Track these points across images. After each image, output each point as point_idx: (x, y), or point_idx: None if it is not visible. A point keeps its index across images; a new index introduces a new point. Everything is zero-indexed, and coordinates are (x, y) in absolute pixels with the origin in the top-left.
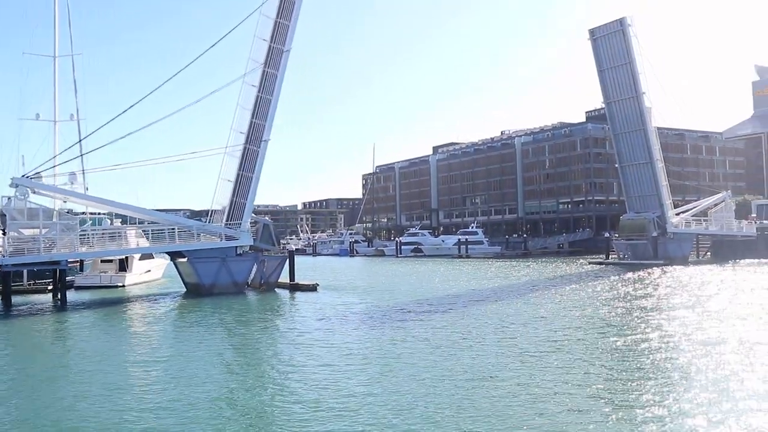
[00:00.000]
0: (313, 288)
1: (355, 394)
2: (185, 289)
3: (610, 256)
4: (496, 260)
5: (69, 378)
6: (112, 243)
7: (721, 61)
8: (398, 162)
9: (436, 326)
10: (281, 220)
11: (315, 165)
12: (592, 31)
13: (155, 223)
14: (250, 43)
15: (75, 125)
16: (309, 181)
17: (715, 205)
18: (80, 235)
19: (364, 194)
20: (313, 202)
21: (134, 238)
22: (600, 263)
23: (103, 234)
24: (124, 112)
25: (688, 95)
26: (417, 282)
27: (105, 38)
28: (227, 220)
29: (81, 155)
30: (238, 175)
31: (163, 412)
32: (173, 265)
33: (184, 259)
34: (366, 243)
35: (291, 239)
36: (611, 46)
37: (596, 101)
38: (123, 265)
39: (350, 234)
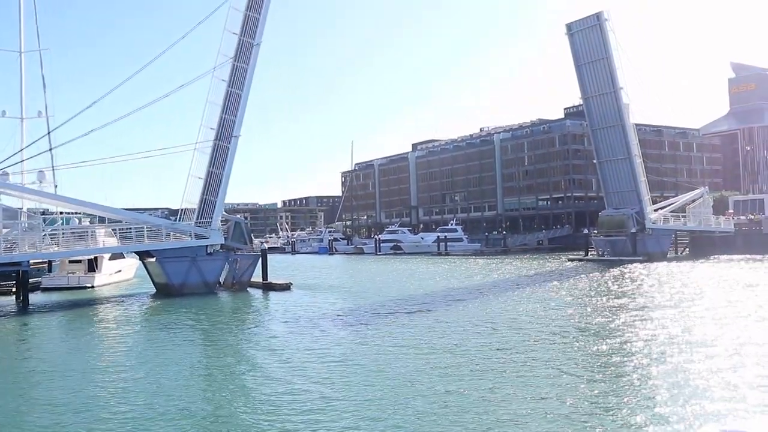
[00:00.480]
0: (286, 287)
1: (327, 397)
2: (155, 290)
3: (589, 253)
4: (475, 257)
5: (14, 386)
6: (79, 243)
7: (698, 58)
8: (378, 159)
9: (412, 327)
10: (260, 218)
11: (295, 163)
12: (569, 26)
13: (122, 222)
14: (220, 37)
15: (42, 123)
16: (289, 179)
17: (693, 201)
18: (49, 234)
19: (343, 192)
20: (293, 200)
21: (103, 238)
22: (580, 260)
23: (72, 233)
24: (90, 105)
25: (665, 91)
26: (394, 280)
27: (74, 35)
28: (198, 219)
29: (50, 149)
30: (208, 172)
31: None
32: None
33: (153, 259)
34: (345, 241)
35: (270, 237)
36: (588, 40)
37: (575, 97)
38: (92, 266)
39: (329, 232)
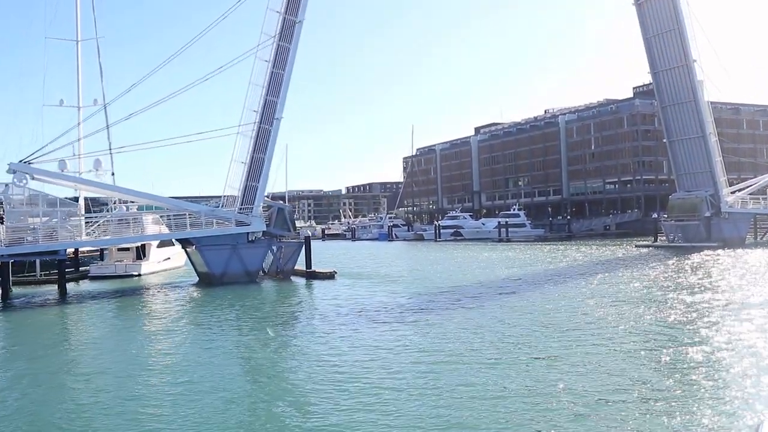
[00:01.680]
0: (330, 276)
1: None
2: (198, 279)
3: (658, 239)
4: (537, 244)
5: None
6: (125, 230)
7: None
8: (439, 144)
9: (455, 324)
10: (324, 205)
11: (360, 150)
12: None
13: (162, 209)
14: (263, 16)
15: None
16: (353, 165)
17: None
18: (93, 222)
19: (404, 177)
20: (357, 186)
21: (150, 225)
22: (648, 246)
23: (119, 221)
24: (131, 88)
25: (744, 65)
26: (448, 269)
27: (129, 25)
28: (241, 205)
29: (107, 129)
30: (251, 156)
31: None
32: None
33: (194, 247)
34: (406, 227)
35: (332, 223)
36: (658, 10)
37: (644, 76)
38: (140, 253)
39: (390, 218)
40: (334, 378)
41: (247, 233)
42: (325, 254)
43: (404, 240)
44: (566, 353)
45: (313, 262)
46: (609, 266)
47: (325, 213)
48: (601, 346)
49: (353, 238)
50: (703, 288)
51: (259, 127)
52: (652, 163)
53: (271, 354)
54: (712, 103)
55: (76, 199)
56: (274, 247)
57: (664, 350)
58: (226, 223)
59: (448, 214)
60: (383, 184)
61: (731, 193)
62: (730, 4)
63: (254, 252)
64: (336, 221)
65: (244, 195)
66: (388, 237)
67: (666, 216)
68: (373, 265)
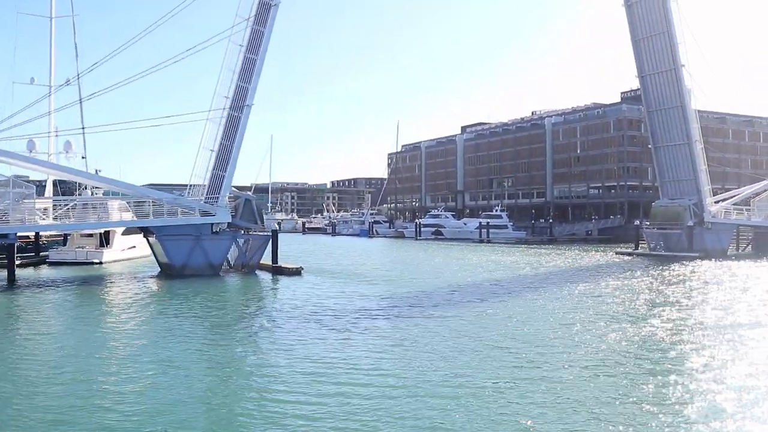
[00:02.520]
0: (296, 272)
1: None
2: (159, 270)
3: (639, 246)
4: (518, 246)
5: None
6: (87, 216)
7: None
8: (425, 141)
9: (416, 335)
10: (308, 198)
11: (345, 143)
12: None
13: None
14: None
15: (69, 90)
16: (339, 160)
17: (758, 194)
18: (57, 206)
19: (389, 174)
20: (342, 180)
21: (117, 212)
22: (629, 254)
23: (84, 206)
24: (93, 67)
25: (731, 75)
26: (420, 269)
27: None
28: (208, 195)
29: (49, 113)
30: (220, 144)
31: None
32: None
33: (154, 237)
34: (388, 224)
35: (315, 217)
36: (648, 12)
37: (632, 81)
38: (104, 240)
39: (371, 214)
40: (254, 397)
41: (212, 224)
42: (300, 248)
43: (384, 237)
44: (520, 377)
45: (286, 256)
46: (586, 275)
47: (309, 206)
48: (561, 370)
49: (333, 233)
50: (683, 304)
51: (229, 114)
52: (636, 169)
53: (204, 361)
54: (698, 111)
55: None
56: (240, 240)
57: (625, 377)
58: (190, 212)
59: (430, 213)
60: (368, 180)
61: (715, 202)
62: (720, 11)
63: (218, 244)
64: (319, 215)
65: (211, 184)
66: (369, 233)
67: (648, 223)
68: (345, 262)
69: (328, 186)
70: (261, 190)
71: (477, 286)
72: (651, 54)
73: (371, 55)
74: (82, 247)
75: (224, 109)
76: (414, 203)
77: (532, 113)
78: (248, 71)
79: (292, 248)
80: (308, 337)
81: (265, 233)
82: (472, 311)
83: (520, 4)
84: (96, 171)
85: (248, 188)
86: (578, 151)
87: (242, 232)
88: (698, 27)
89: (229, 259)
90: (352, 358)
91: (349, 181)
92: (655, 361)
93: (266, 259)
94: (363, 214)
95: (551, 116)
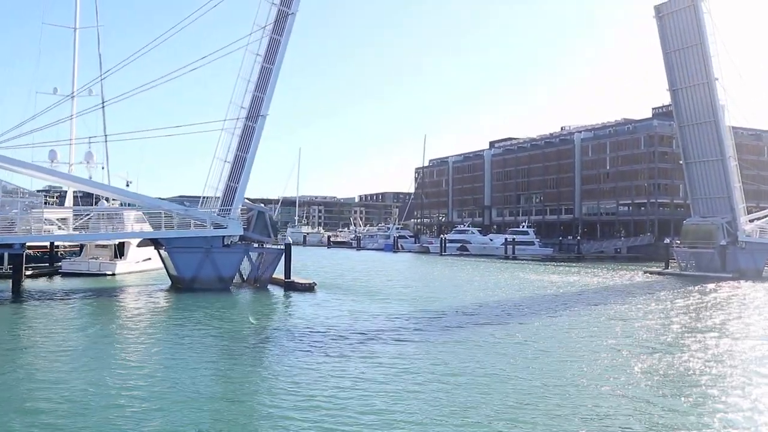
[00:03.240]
0: (309, 288)
1: None
2: (171, 283)
3: (669, 266)
4: (544, 264)
5: None
6: (105, 226)
7: None
8: (452, 156)
9: (429, 363)
10: (335, 212)
11: (375, 158)
12: (657, 8)
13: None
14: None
15: (92, 101)
16: (368, 174)
17: None
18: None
19: (416, 188)
20: (370, 195)
21: (133, 223)
22: (658, 273)
23: (99, 216)
24: (105, 75)
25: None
26: (443, 286)
27: (125, 12)
28: (221, 207)
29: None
30: (235, 155)
31: None
32: None
33: (163, 249)
34: (413, 239)
35: (341, 231)
36: (680, 23)
37: (664, 97)
38: (118, 252)
39: (397, 229)
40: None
41: (223, 237)
42: (322, 263)
43: (410, 252)
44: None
45: (306, 270)
46: (613, 295)
47: (336, 220)
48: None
49: (358, 248)
50: (722, 331)
51: (245, 124)
52: (668, 187)
53: (195, 382)
54: (732, 128)
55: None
56: (252, 254)
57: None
58: (202, 225)
59: (456, 228)
60: (396, 194)
61: (749, 221)
62: (754, 25)
63: (229, 257)
64: (346, 229)
65: (224, 196)
66: (394, 248)
67: (679, 242)
68: (364, 277)
69: (356, 200)
70: (288, 203)
71: (495, 308)
72: (683, 67)
73: (402, 71)
74: (96, 258)
75: (237, 119)
76: (441, 218)
77: (561, 129)
78: (264, 81)
79: (313, 262)
80: (299, 363)
81: (278, 247)
82: (483, 336)
83: (551, 20)
84: (127, 183)
85: (276, 201)
86: (608, 168)
87: (255, 245)
88: (731, 41)
89: (242, 272)
90: (341, 390)
91: (376, 195)
92: (691, 401)
93: (282, 273)
94: (389, 228)
95: (580, 132)
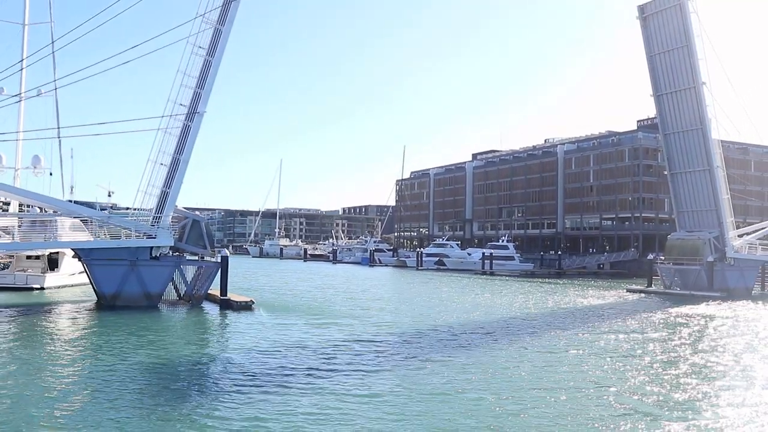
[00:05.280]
0: (246, 306)
1: None
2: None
3: (653, 283)
4: (522, 280)
5: None
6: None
7: None
8: (433, 168)
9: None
10: (317, 224)
11: (360, 170)
12: (641, 8)
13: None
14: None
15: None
16: (353, 187)
17: None
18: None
19: (397, 201)
20: (352, 207)
21: (67, 230)
22: (640, 291)
23: (32, 225)
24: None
25: (754, 102)
26: (397, 303)
27: (75, 7)
28: (155, 215)
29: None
30: (173, 158)
31: None
32: None
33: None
34: (391, 252)
35: (322, 244)
36: (665, 24)
37: (649, 110)
38: (51, 263)
39: (375, 242)
40: None
41: (151, 248)
42: (289, 277)
43: (387, 266)
44: None
45: (266, 286)
46: (585, 319)
47: (317, 233)
48: None
49: (334, 261)
50: (711, 370)
51: (185, 124)
52: (653, 201)
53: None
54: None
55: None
56: (185, 267)
57: None
58: (133, 233)
59: (434, 242)
60: (380, 207)
61: (738, 236)
62: (744, 27)
63: (157, 271)
64: (328, 242)
65: (160, 203)
66: (370, 262)
67: (663, 258)
68: (321, 294)
69: (340, 213)
70: (269, 215)
71: (461, 332)
72: (668, 71)
73: (387, 84)
74: (24, 271)
75: (170, 116)
76: (422, 231)
77: (545, 141)
78: (204, 75)
79: (280, 276)
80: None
81: (214, 260)
82: (420, 373)
83: (535, 33)
84: (109, 193)
85: (256, 213)
86: (591, 181)
87: (187, 257)
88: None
89: (177, 288)
90: None
91: (360, 208)
92: None
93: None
94: (365, 241)
95: (564, 144)
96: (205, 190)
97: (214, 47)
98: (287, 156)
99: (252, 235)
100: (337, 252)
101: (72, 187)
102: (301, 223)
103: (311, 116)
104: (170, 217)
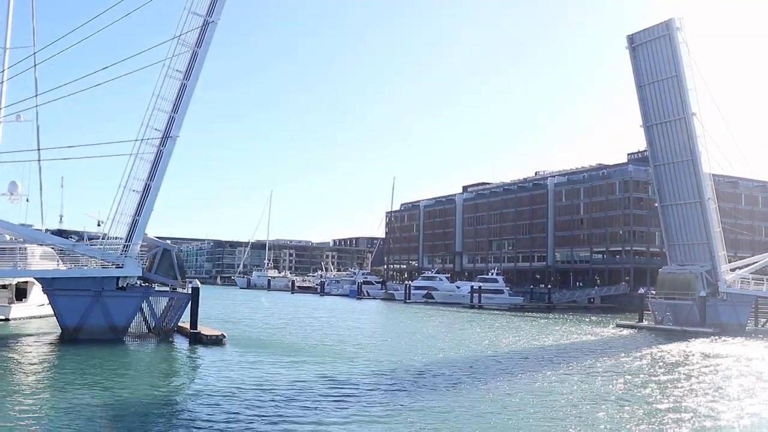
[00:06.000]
0: (217, 341)
1: None
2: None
3: (644, 318)
4: (511, 314)
5: None
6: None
7: None
8: (423, 200)
9: None
10: (307, 256)
11: (352, 202)
12: (630, 38)
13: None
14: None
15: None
16: (344, 218)
17: None
18: None
19: (386, 233)
20: (344, 239)
21: (38, 258)
22: (631, 327)
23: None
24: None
25: (743, 136)
26: (379, 340)
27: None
28: (126, 243)
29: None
30: (145, 184)
31: None
32: None
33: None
34: (379, 284)
35: (311, 276)
36: (654, 54)
37: (639, 143)
38: (18, 293)
39: (363, 274)
40: None
41: (117, 278)
42: (272, 309)
43: (375, 298)
44: None
45: (247, 318)
46: (572, 356)
47: (307, 264)
48: None
49: (322, 293)
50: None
51: (158, 149)
52: (643, 234)
53: None
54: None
55: None
56: (154, 298)
57: None
58: (99, 262)
59: (423, 275)
60: (370, 239)
61: (730, 270)
62: (734, 58)
63: (123, 302)
64: (317, 273)
65: (131, 231)
66: (358, 294)
67: (654, 292)
68: (302, 328)
69: (331, 245)
70: (259, 246)
71: (436, 374)
72: (658, 101)
73: (381, 119)
74: None
75: (141, 140)
76: (413, 263)
77: (536, 173)
78: (179, 99)
79: (264, 309)
80: None
81: (184, 292)
82: (393, 422)
83: (531, 67)
84: (99, 223)
85: (245, 244)
86: (582, 214)
87: (155, 288)
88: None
89: (147, 320)
90: None
91: (350, 240)
92: None
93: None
94: (354, 273)
95: (554, 176)
96: (194, 221)
97: (190, 70)
98: (279, 187)
99: (241, 266)
100: (325, 284)
101: (61, 216)
102: (291, 255)
103: (304, 148)
104: (138, 245)
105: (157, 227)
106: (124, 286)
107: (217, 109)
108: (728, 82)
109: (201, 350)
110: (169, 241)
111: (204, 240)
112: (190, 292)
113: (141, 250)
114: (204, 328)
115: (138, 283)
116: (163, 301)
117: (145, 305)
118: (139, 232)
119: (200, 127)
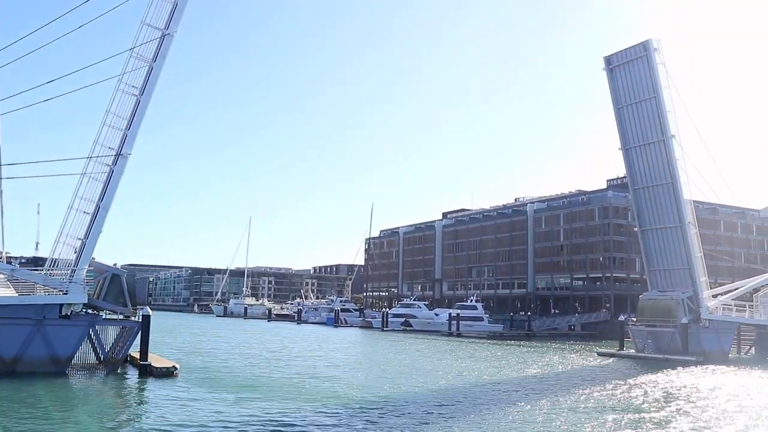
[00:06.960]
0: (168, 373)
1: None
2: None
3: (624, 346)
4: (490, 342)
5: None
6: None
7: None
8: (403, 227)
9: None
10: (286, 283)
11: (332, 229)
12: (608, 59)
13: None
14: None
15: None
16: (325, 244)
17: (757, 289)
18: None
19: (366, 260)
20: (323, 267)
21: None
22: (611, 355)
23: None
24: None
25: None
26: (355, 373)
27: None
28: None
29: None
30: (95, 205)
31: None
32: None
33: None
34: (357, 312)
35: (290, 303)
36: (632, 76)
37: (619, 169)
38: None
39: (341, 302)
40: None
41: (61, 305)
42: (240, 338)
43: (352, 326)
44: None
45: (218, 348)
46: (555, 387)
47: (287, 292)
48: None
49: (299, 321)
50: None
51: (110, 168)
52: (623, 260)
53: None
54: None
55: None
56: (100, 327)
57: None
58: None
59: (402, 302)
60: (350, 266)
61: (712, 296)
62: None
63: (67, 331)
64: (295, 301)
65: (80, 255)
66: (335, 322)
67: (635, 319)
68: (269, 359)
69: (311, 272)
70: (238, 273)
71: (406, 412)
72: (636, 123)
73: (360, 145)
74: None
75: (90, 159)
76: (392, 290)
77: (515, 200)
78: (133, 115)
79: (234, 337)
80: None
81: (134, 320)
82: None
83: (510, 94)
84: (36, 244)
85: (223, 271)
86: (561, 240)
87: (103, 316)
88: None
89: (96, 351)
90: None
91: (331, 267)
92: None
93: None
94: (331, 301)
95: (534, 203)
96: (173, 248)
97: (144, 85)
98: (259, 214)
99: (219, 293)
100: (303, 312)
101: (37, 243)
102: (269, 282)
103: (285, 175)
104: (84, 270)
105: (134, 255)
106: (68, 314)
107: (196, 137)
108: (709, 104)
109: (150, 383)
110: (146, 269)
111: (182, 267)
112: (140, 320)
113: (87, 276)
114: (156, 359)
115: (84, 311)
116: (112, 330)
117: (91, 334)
118: (85, 256)
119: (179, 155)
